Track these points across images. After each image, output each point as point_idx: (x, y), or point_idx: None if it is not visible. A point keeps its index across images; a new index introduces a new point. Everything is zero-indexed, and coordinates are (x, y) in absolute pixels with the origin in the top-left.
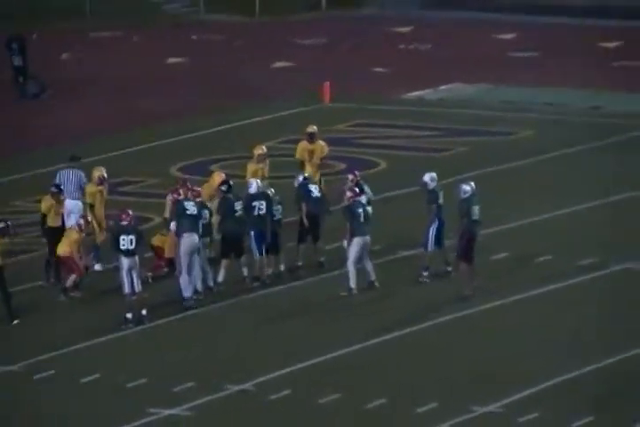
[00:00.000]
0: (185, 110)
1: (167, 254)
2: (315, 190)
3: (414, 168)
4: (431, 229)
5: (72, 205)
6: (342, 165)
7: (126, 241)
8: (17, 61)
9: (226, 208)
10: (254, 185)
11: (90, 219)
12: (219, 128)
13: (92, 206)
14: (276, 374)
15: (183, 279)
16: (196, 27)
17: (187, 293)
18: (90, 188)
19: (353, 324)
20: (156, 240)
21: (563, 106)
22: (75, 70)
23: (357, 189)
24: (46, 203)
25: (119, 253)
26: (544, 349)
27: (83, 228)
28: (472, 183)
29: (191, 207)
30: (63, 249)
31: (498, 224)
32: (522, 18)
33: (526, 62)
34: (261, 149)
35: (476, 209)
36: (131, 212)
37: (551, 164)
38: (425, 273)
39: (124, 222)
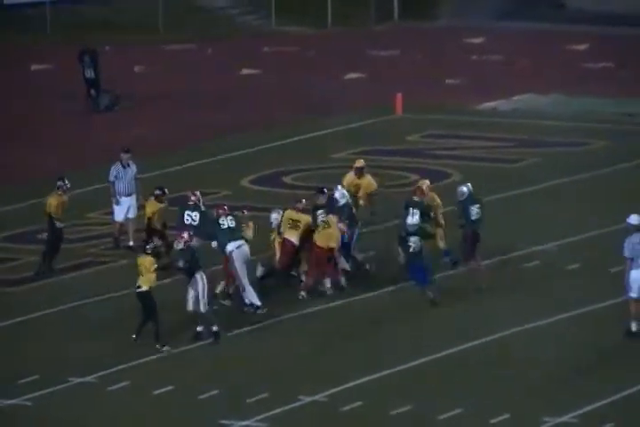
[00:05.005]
0: (258, 122)
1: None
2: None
3: (487, 179)
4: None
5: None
6: (415, 176)
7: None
8: (89, 74)
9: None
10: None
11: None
12: (291, 139)
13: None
14: (349, 385)
15: (249, 291)
16: (268, 38)
17: (256, 301)
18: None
19: (424, 334)
20: None
21: (637, 117)
22: (147, 83)
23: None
24: (152, 207)
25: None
26: (625, 357)
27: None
28: (469, 184)
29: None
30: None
31: (570, 235)
32: (595, 28)
33: (600, 73)
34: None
35: (474, 209)
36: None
37: (625, 174)
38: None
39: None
